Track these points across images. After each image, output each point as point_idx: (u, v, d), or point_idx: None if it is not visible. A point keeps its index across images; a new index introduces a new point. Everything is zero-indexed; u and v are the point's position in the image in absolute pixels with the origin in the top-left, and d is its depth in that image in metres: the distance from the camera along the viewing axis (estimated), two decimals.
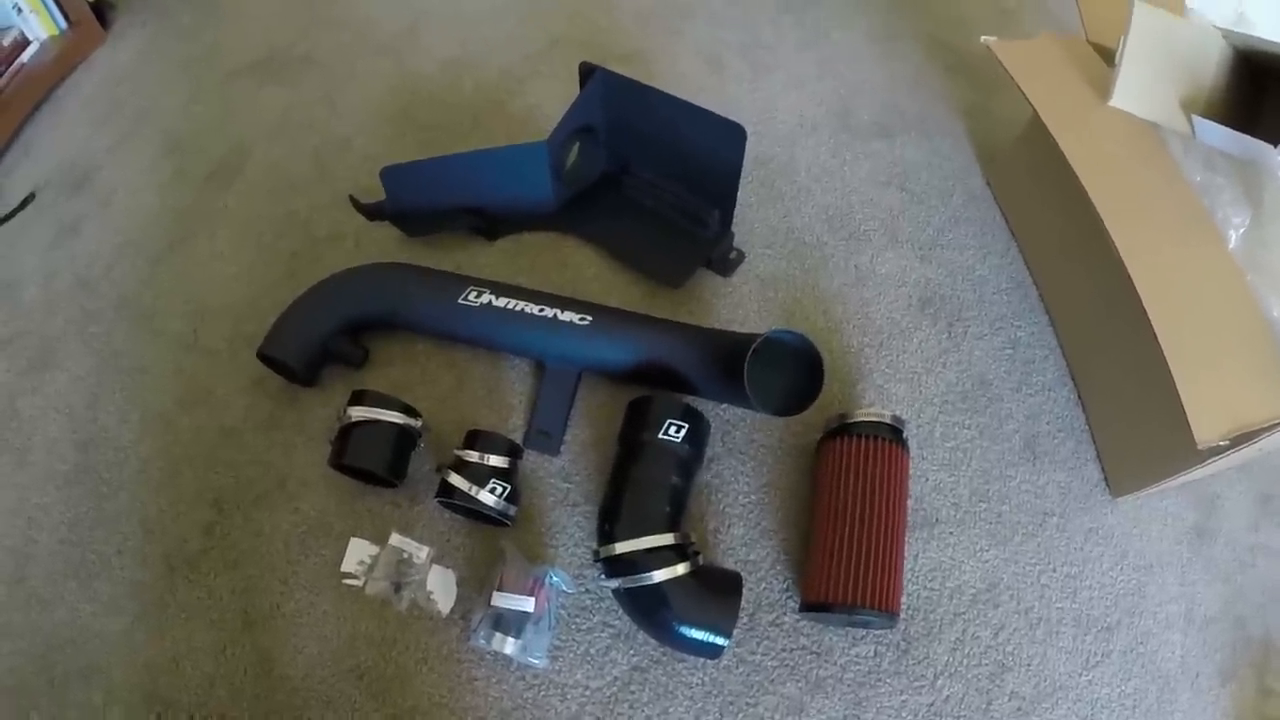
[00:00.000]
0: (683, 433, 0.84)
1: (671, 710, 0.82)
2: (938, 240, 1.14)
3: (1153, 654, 0.89)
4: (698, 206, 1.08)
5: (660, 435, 0.84)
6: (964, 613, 0.89)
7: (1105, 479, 0.99)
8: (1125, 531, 0.96)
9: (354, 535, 0.88)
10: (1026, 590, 0.91)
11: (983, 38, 1.05)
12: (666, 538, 0.79)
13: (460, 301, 0.94)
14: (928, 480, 0.95)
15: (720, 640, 0.76)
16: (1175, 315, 0.79)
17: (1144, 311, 0.80)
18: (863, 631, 0.85)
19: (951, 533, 0.92)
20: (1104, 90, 0.96)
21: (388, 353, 1.00)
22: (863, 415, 0.86)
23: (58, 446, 0.99)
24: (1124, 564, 0.94)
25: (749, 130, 0.90)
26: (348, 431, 0.87)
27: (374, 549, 0.87)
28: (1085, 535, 0.95)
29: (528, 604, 0.80)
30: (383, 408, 0.86)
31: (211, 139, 1.17)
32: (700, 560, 0.81)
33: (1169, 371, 0.78)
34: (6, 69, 1.15)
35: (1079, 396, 1.04)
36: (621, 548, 0.79)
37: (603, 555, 0.81)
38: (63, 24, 1.11)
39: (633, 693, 0.83)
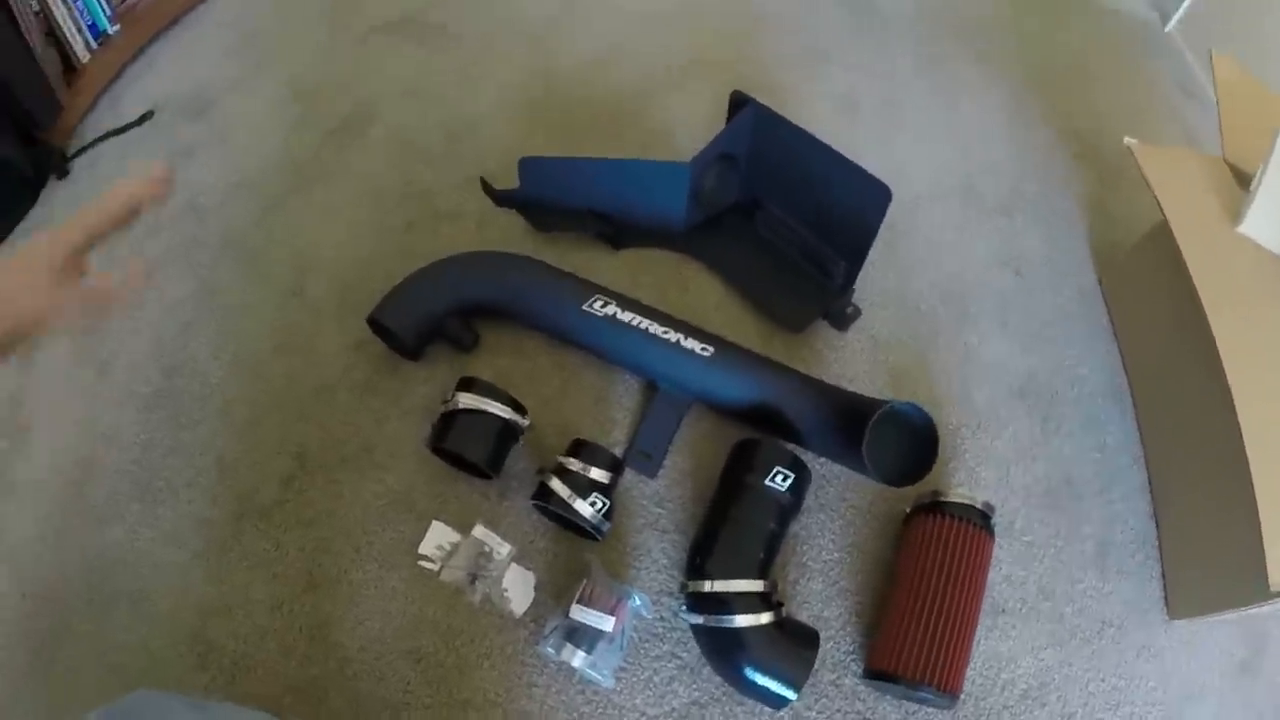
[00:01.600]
0: (788, 482, 0.87)
1: None
2: (1043, 333, 1.16)
3: None
4: (826, 256, 1.10)
5: (766, 481, 0.87)
6: (1012, 706, 0.92)
7: (1165, 598, 1.02)
8: (1175, 654, 0.99)
9: (436, 519, 0.89)
10: (1073, 695, 0.94)
11: (1125, 139, 1.06)
12: (757, 584, 0.83)
13: (584, 308, 0.95)
14: (1000, 570, 0.98)
15: (789, 693, 0.80)
16: (1275, 459, 0.81)
17: (1238, 446, 0.82)
18: (916, 707, 0.89)
19: (1015, 626, 0.96)
20: (1236, 214, 0.97)
21: (498, 341, 1.01)
22: (956, 497, 0.89)
23: (142, 368, 0.99)
24: (1168, 686, 0.97)
25: None
26: (452, 417, 0.88)
27: (455, 536, 0.88)
28: (1137, 651, 0.98)
29: (607, 622, 0.83)
30: (491, 399, 0.87)
31: (340, 93, 1.17)
32: (783, 612, 0.84)
33: (1251, 509, 0.80)
34: None
35: (1154, 511, 1.06)
36: (711, 586, 0.82)
37: (690, 589, 0.84)
38: None
39: None
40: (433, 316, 0.95)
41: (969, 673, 0.92)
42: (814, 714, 0.88)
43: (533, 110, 1.24)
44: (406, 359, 0.98)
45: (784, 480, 0.87)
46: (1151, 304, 1.10)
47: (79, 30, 1.22)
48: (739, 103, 1.08)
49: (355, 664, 0.82)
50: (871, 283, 1.15)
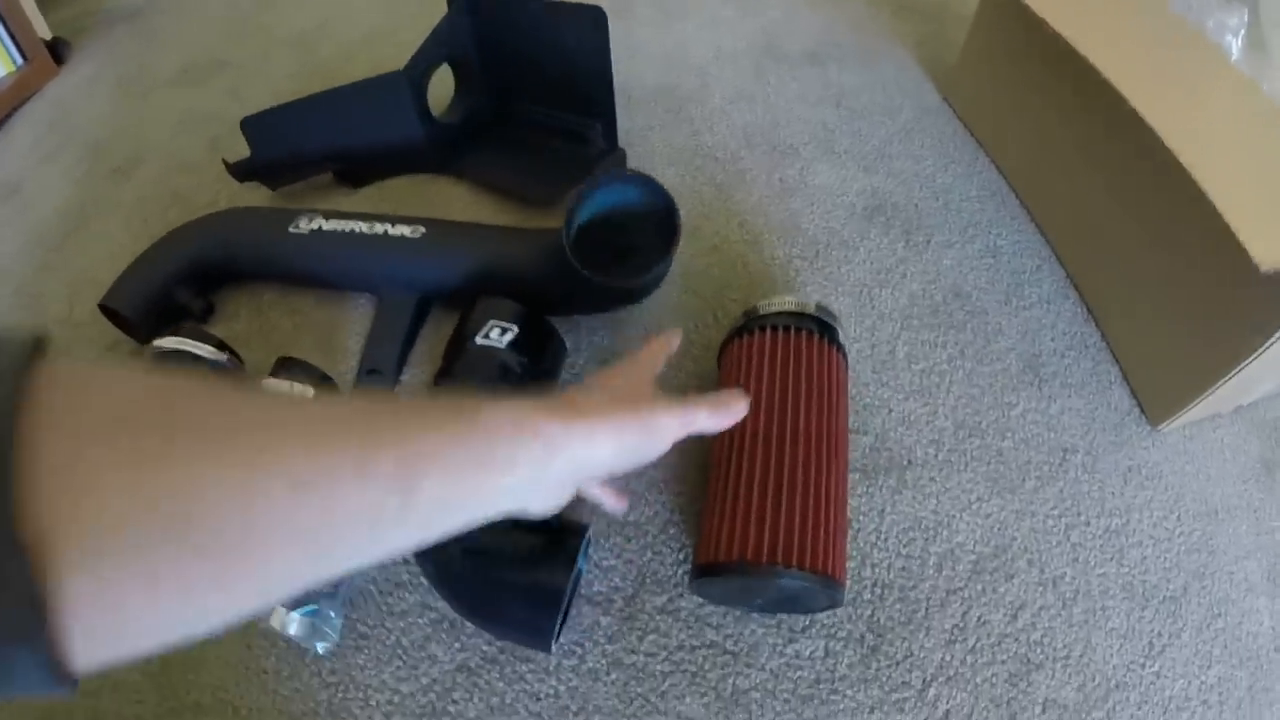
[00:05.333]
0: (507, 336, 0.62)
1: None
2: (885, 152, 0.94)
3: (1235, 629, 0.64)
4: (582, 125, 0.92)
5: (478, 338, 0.62)
6: (962, 589, 0.62)
7: (1139, 405, 0.74)
8: (1176, 470, 0.71)
9: None
10: (1051, 554, 0.65)
11: None
12: None
13: (291, 231, 0.81)
14: (891, 411, 0.71)
15: (545, 618, 0.52)
16: (1201, 146, 0.63)
17: (1156, 190, 0.67)
18: (803, 620, 0.59)
19: (933, 478, 0.67)
20: None
21: (234, 306, 0.85)
22: (774, 306, 0.63)
23: None
24: (1180, 511, 0.69)
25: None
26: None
27: None
28: (1124, 477, 0.69)
29: None
30: (195, 339, 0.72)
31: (123, 141, 1.14)
32: None
33: (1204, 255, 0.63)
34: None
35: (1089, 311, 0.80)
36: None
37: None
38: (19, 60, 1.21)
39: (456, 703, 0.58)
40: (157, 291, 0.82)
41: (882, 555, 0.63)
42: (642, 658, 0.58)
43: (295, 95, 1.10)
44: (143, 344, 0.83)
45: (502, 334, 0.62)
46: (1008, 88, 0.90)
47: None
48: None
49: (95, 679, 0.60)
50: (656, 145, 0.95)
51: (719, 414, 0.44)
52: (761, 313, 0.63)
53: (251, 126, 0.90)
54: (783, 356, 0.59)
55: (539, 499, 0.37)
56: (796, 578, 0.50)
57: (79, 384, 0.23)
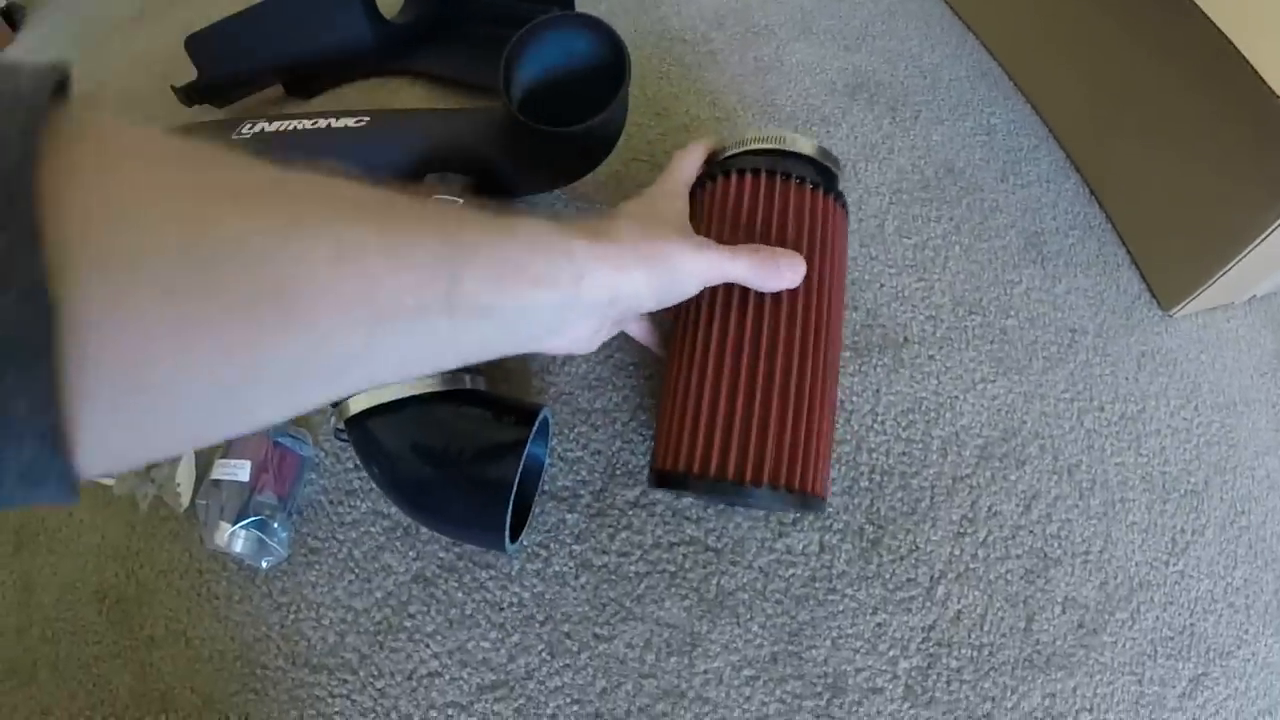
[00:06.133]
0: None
1: (471, 645, 0.48)
2: (867, 32, 0.86)
3: (1259, 528, 0.58)
4: (536, 10, 0.81)
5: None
6: (969, 476, 0.54)
7: (1149, 288, 0.67)
8: (1191, 359, 0.64)
9: None
10: (1065, 439, 0.57)
11: None
12: (430, 383, 0.46)
13: (233, 138, 0.74)
14: (882, 286, 0.62)
15: (494, 514, 0.42)
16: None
17: (1164, 54, 0.59)
18: (795, 513, 0.50)
19: (932, 356, 0.59)
20: None
21: None
22: (751, 142, 0.50)
23: None
24: (1198, 401, 0.62)
25: None
26: None
27: None
28: (1137, 361, 0.62)
29: (244, 470, 0.52)
30: None
31: (78, 86, 1.01)
32: (480, 382, 0.46)
33: (1211, 128, 0.57)
34: None
35: (1091, 192, 0.72)
36: (360, 404, 0.48)
37: (340, 417, 0.49)
38: None
39: (413, 616, 0.51)
40: None
41: (879, 439, 0.55)
42: (614, 558, 0.50)
43: None
44: None
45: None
46: None
47: None
48: None
49: (55, 623, 0.57)
50: (620, 30, 0.85)
51: (763, 271, 0.41)
52: (732, 152, 0.49)
53: (196, 45, 0.83)
54: (764, 213, 0.46)
55: (575, 328, 0.36)
56: (772, 496, 0.40)
57: (106, 133, 0.20)
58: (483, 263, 0.28)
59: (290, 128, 0.71)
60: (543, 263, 0.31)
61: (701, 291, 0.41)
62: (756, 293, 0.43)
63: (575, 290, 0.32)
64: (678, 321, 0.47)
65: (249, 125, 0.73)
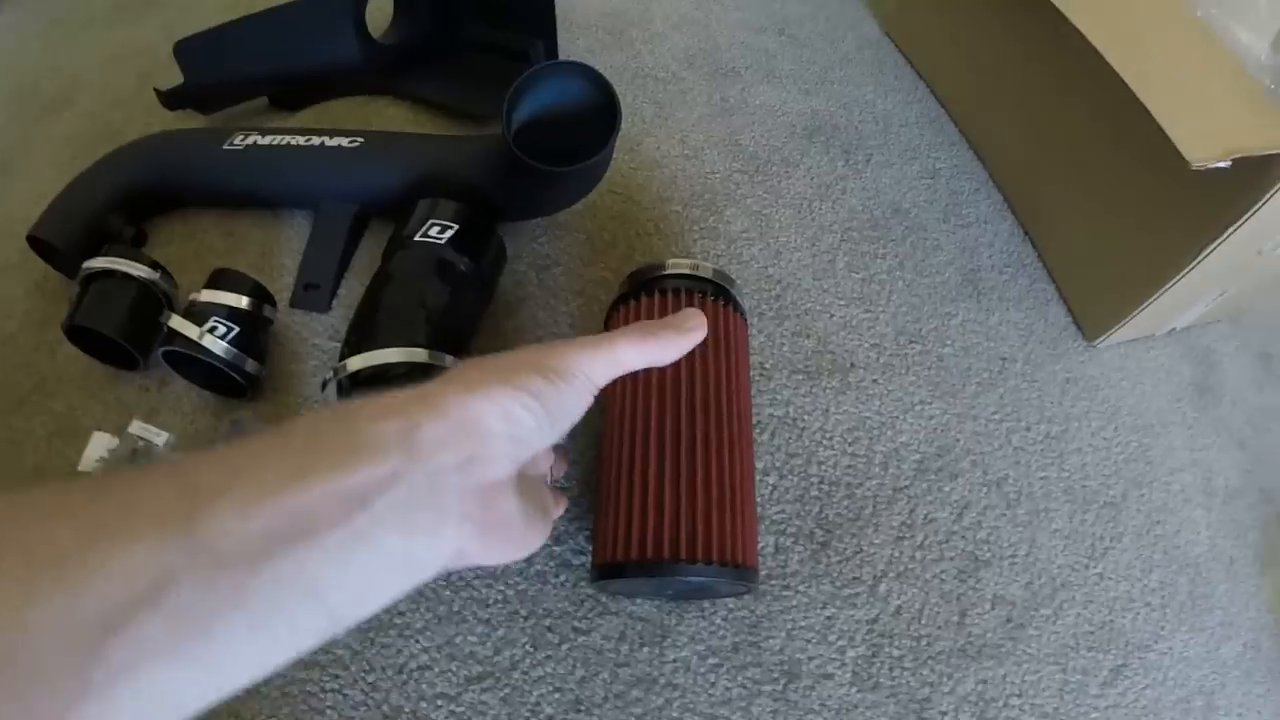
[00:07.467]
0: (448, 234, 0.59)
1: (459, 639, 0.53)
2: (826, 77, 0.93)
3: (1173, 536, 0.65)
4: (520, 42, 0.88)
5: (418, 236, 0.59)
6: (908, 487, 0.61)
7: (1075, 322, 0.75)
8: (1112, 384, 0.71)
9: (98, 429, 0.67)
10: (994, 455, 0.64)
11: None
12: (419, 353, 0.52)
13: (225, 148, 0.77)
14: (832, 316, 0.69)
15: None
16: (1136, 57, 0.61)
17: (1092, 113, 0.68)
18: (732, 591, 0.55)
19: (875, 380, 0.65)
20: None
21: (168, 233, 0.79)
22: (670, 268, 0.56)
23: None
24: (1117, 423, 0.69)
25: None
26: (85, 286, 0.67)
27: (114, 442, 0.68)
28: (1062, 387, 0.70)
29: None
30: (127, 259, 0.66)
31: (53, 81, 1.05)
32: None
33: (1131, 179, 0.65)
34: None
35: (1025, 233, 0.80)
36: (358, 363, 0.52)
37: (336, 377, 0.54)
38: None
39: (402, 614, 0.54)
40: (92, 219, 0.77)
41: (828, 453, 0.62)
42: (589, 558, 0.53)
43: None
44: (70, 277, 0.75)
45: (441, 232, 0.59)
46: (950, 24, 0.91)
47: None
48: None
49: None
50: (597, 66, 0.92)
51: (655, 343, 0.35)
52: (648, 277, 0.56)
53: (184, 51, 0.85)
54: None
55: (457, 519, 0.28)
56: (705, 573, 0.44)
57: None
58: (238, 491, 0.23)
59: (284, 142, 0.75)
60: (340, 443, 0.26)
61: (625, 401, 0.44)
62: (674, 397, 0.47)
63: (417, 452, 0.27)
64: (606, 429, 0.52)
65: (241, 136, 0.77)
